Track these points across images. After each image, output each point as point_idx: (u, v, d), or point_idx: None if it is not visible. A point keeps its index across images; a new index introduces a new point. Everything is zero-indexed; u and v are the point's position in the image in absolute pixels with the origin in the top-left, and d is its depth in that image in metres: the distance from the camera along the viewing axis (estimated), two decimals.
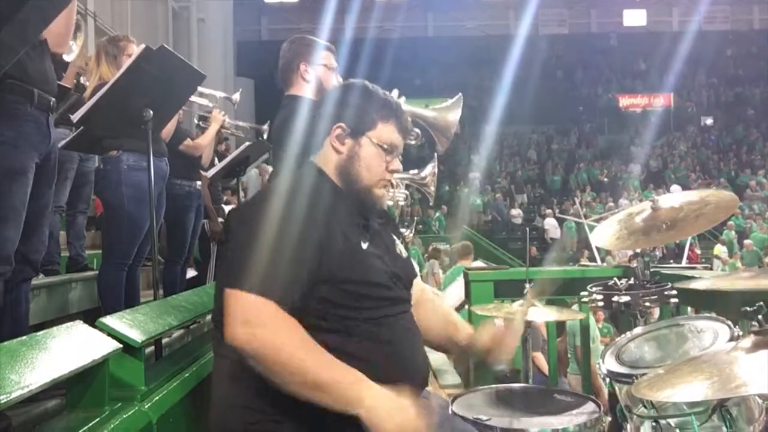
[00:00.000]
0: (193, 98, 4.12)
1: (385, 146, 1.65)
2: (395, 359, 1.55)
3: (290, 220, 1.47)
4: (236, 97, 4.73)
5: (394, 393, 1.39)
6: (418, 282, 1.84)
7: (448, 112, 2.73)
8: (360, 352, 1.49)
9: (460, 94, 2.84)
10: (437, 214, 18.01)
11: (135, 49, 3.17)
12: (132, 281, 3.37)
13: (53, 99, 2.20)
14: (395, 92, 2.52)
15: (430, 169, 3.36)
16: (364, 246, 1.59)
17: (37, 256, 2.26)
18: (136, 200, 3.18)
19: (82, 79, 3.87)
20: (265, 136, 4.74)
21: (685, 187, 19.45)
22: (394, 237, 1.77)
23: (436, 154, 3.33)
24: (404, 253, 1.78)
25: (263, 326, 1.36)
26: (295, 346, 1.37)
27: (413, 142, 2.78)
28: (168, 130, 3.53)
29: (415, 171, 3.45)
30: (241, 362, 1.44)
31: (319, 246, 1.48)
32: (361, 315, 1.53)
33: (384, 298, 1.59)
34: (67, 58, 2.84)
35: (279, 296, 1.40)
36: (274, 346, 1.36)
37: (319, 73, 2.62)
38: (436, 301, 2.00)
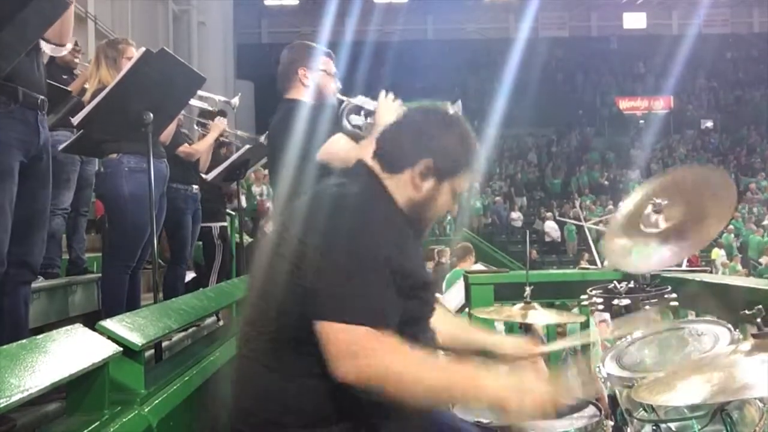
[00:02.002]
0: (192, 102, 4.13)
1: (457, 193, 1.60)
2: None
3: (372, 245, 1.40)
4: (235, 101, 4.74)
5: (513, 372, 1.41)
6: None
7: None
8: None
9: (459, 101, 2.83)
10: (449, 216, 17.89)
11: (134, 52, 3.18)
12: (133, 284, 3.37)
13: (42, 97, 2.18)
14: (383, 94, 2.54)
15: None
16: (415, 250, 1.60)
17: (35, 259, 2.25)
18: (138, 202, 3.18)
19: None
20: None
21: None
22: None
23: None
24: None
25: (370, 357, 1.32)
26: (403, 365, 1.33)
27: None
28: (167, 133, 3.53)
29: None
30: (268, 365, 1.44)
31: (400, 267, 1.43)
32: (417, 323, 1.53)
33: (427, 303, 1.60)
34: (59, 51, 2.85)
35: (381, 322, 1.35)
36: (385, 374, 1.32)
37: (317, 79, 2.66)
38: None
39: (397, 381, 1.32)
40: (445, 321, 1.80)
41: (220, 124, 4.45)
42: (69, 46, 2.91)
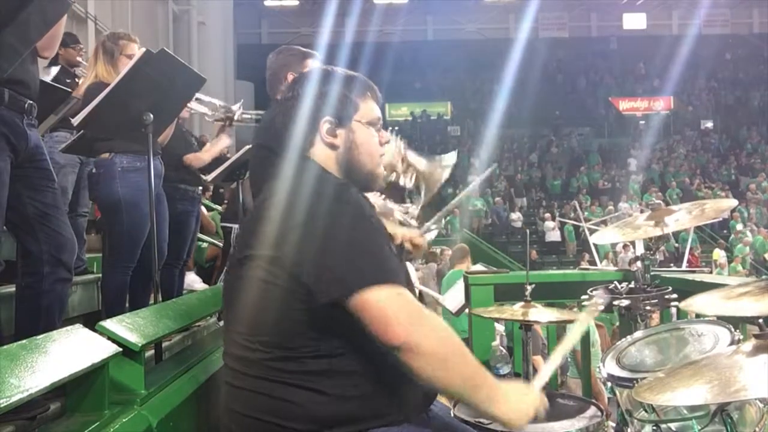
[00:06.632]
0: (194, 105, 4.14)
1: (373, 123, 1.62)
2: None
3: (364, 221, 1.45)
4: (237, 107, 4.73)
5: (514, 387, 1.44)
6: None
7: (437, 167, 2.76)
8: (389, 359, 1.41)
9: (456, 151, 2.91)
10: (448, 217, 17.83)
11: (136, 49, 3.16)
12: (145, 285, 3.35)
13: (30, 101, 2.15)
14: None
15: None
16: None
17: (68, 257, 2.21)
18: (134, 202, 3.16)
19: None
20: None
21: (687, 192, 19.47)
22: None
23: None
24: None
25: (424, 324, 1.35)
26: (455, 343, 1.38)
27: (410, 185, 2.78)
28: (166, 134, 3.53)
29: (408, 205, 3.30)
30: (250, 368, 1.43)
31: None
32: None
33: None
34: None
35: (401, 282, 1.39)
36: (441, 344, 1.35)
37: None
38: None
39: (443, 358, 1.34)
40: None
41: (227, 140, 4.47)
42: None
